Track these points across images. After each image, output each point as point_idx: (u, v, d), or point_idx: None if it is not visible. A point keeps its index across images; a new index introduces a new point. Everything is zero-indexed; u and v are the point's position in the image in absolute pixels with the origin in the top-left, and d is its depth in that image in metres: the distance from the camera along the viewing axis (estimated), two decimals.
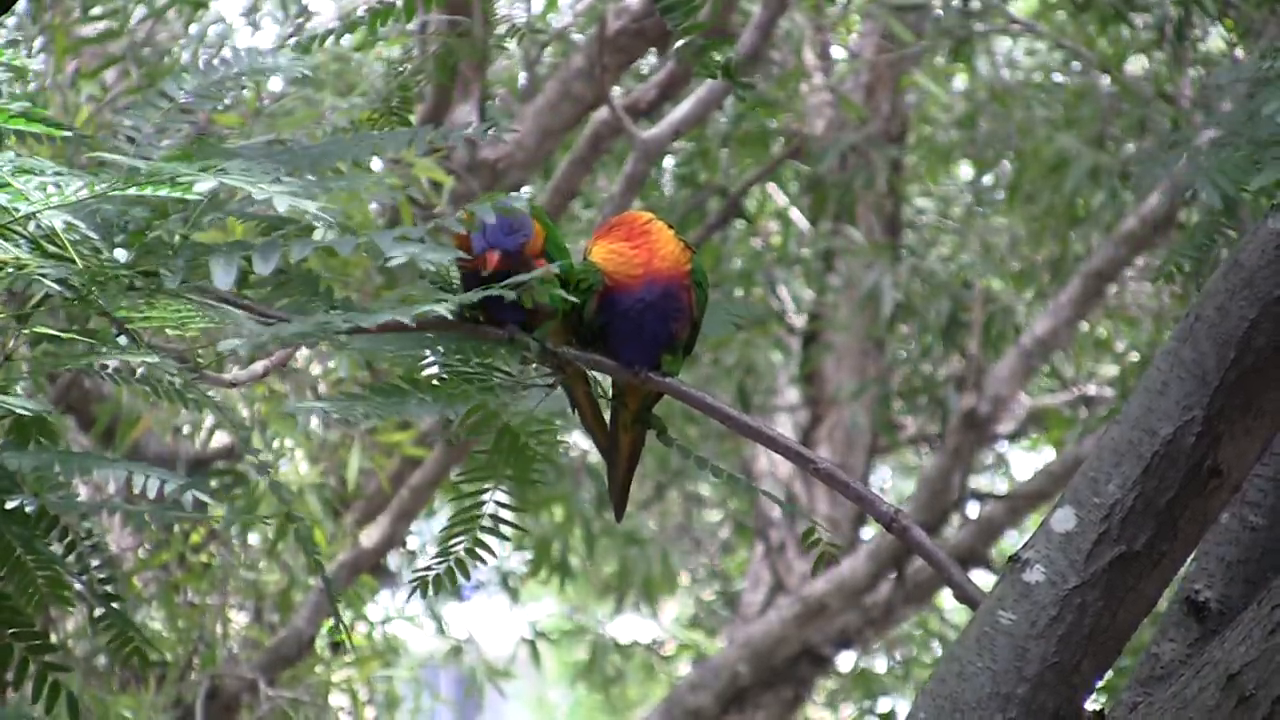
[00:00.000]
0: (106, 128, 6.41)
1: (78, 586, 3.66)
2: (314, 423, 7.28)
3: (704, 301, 3.57)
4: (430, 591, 3.42)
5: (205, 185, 2.96)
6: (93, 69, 6.98)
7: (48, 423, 3.55)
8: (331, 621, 7.48)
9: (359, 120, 5.66)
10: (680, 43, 3.53)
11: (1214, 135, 3.42)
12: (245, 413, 7.17)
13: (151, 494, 3.17)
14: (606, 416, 3.65)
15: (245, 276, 3.15)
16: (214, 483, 7.12)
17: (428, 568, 3.44)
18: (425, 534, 10.81)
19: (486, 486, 3.46)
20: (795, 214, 11.17)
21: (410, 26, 8.35)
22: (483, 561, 3.45)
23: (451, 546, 3.45)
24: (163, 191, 2.96)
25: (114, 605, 3.68)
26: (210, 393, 3.40)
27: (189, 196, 2.97)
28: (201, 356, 3.20)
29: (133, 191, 2.97)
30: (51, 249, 3.10)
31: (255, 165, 3.05)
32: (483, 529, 3.45)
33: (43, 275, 3.03)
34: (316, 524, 7.17)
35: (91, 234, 3.11)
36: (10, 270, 3.02)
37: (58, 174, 3.04)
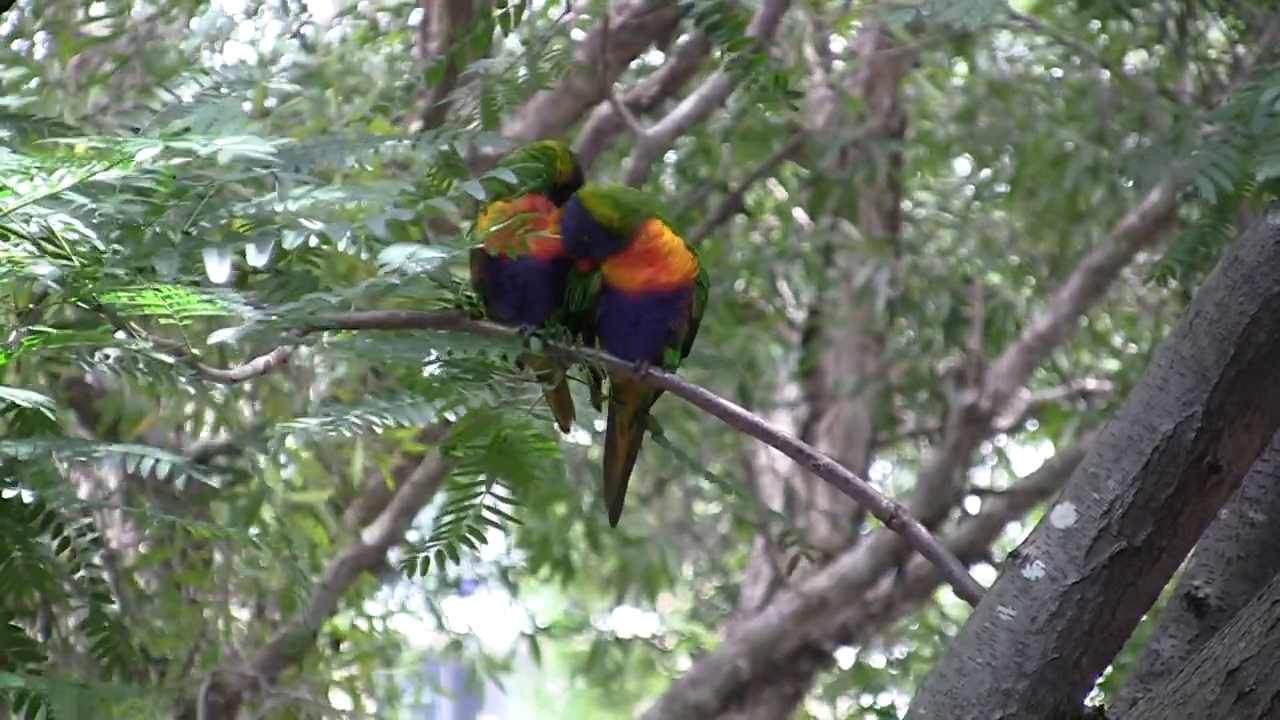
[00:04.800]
0: (107, 129, 6.41)
1: (74, 584, 3.65)
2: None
3: (704, 301, 3.57)
4: (419, 572, 3.41)
5: (147, 153, 2.92)
6: (97, 71, 6.98)
7: (49, 417, 3.55)
8: (329, 619, 7.48)
9: (364, 126, 5.64)
10: (728, 59, 3.55)
11: (1211, 131, 3.42)
12: (247, 410, 7.17)
13: (159, 474, 3.17)
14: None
15: (244, 276, 3.15)
16: (216, 481, 7.11)
17: (419, 549, 3.43)
18: (426, 529, 10.80)
19: (481, 479, 3.45)
20: (796, 209, 11.16)
21: (411, 22, 8.35)
22: (473, 546, 3.44)
23: (444, 531, 3.44)
24: (118, 169, 2.92)
25: (102, 609, 3.69)
26: (210, 390, 3.40)
27: (159, 189, 2.93)
28: (198, 351, 3.20)
29: (100, 175, 2.93)
30: (50, 248, 3.10)
31: (217, 124, 3.02)
32: (477, 518, 3.45)
33: (39, 274, 3.03)
34: (319, 521, 7.16)
35: (89, 232, 3.11)
36: (7, 265, 3.01)
37: (38, 167, 3.01)
